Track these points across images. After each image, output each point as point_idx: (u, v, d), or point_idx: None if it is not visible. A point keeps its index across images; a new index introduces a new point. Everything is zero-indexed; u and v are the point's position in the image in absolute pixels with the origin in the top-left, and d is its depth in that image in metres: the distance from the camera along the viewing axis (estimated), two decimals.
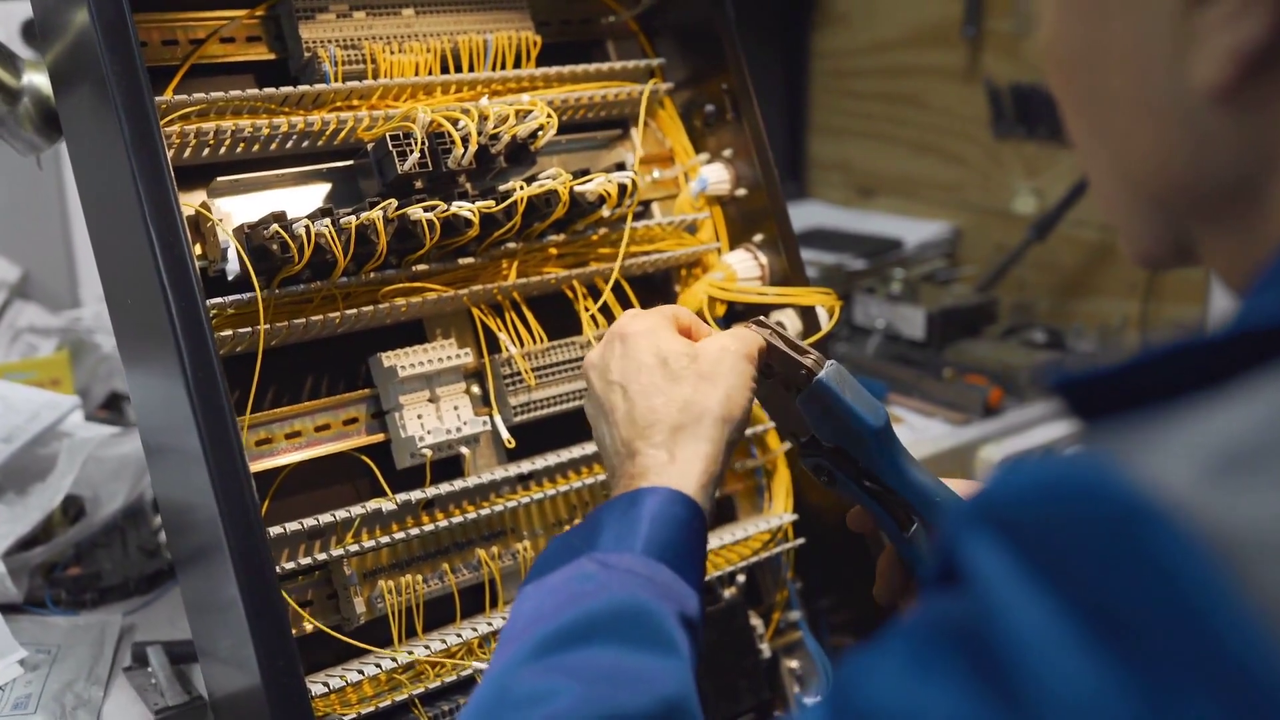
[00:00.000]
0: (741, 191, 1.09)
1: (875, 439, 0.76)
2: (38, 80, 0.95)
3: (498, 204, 0.90)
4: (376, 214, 0.84)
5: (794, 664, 1.09)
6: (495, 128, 0.90)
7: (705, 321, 1.03)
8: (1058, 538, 0.35)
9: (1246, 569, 0.32)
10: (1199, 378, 0.37)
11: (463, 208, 0.88)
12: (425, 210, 0.86)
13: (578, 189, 0.95)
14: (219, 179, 0.87)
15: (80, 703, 0.91)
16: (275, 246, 0.81)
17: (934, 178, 2.03)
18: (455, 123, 0.89)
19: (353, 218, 0.84)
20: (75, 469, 1.05)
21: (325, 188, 0.93)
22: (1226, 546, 0.32)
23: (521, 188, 0.92)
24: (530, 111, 0.92)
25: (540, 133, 0.93)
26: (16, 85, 0.94)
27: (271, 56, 0.93)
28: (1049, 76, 0.49)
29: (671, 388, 0.71)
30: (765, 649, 1.06)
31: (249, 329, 0.83)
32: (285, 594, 0.80)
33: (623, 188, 0.97)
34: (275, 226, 0.81)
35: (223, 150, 0.87)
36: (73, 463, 1.06)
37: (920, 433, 1.50)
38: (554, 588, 0.65)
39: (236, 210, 0.88)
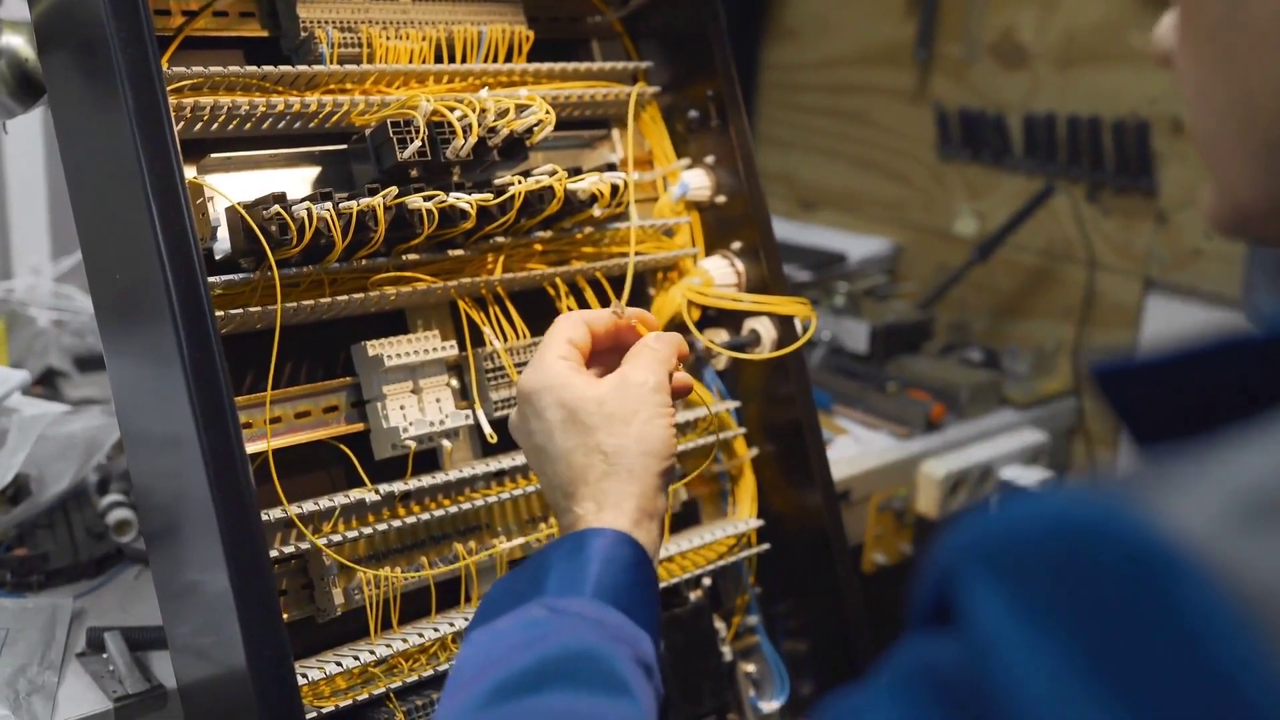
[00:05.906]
0: (721, 198, 1.09)
1: None
2: (15, 42, 0.91)
3: (495, 197, 0.89)
4: (377, 201, 0.83)
5: (750, 668, 1.10)
6: (495, 120, 0.90)
7: (686, 326, 1.06)
8: (1065, 584, 0.32)
9: (1275, 626, 0.29)
10: (1245, 384, 0.34)
11: (461, 199, 0.87)
12: (425, 200, 0.85)
13: (571, 186, 0.95)
14: (211, 155, 0.85)
15: (34, 688, 0.88)
16: (274, 227, 0.79)
17: (877, 195, 2.06)
18: (454, 112, 0.88)
19: (353, 203, 0.82)
20: (27, 446, 1.01)
21: (315, 171, 0.91)
22: (1254, 601, 0.29)
23: (518, 182, 0.91)
24: (529, 106, 0.92)
25: (537, 128, 0.92)
26: None
27: (263, 34, 0.92)
28: (1180, 5, 0.46)
29: (585, 439, 0.71)
30: (727, 652, 1.07)
31: (239, 310, 0.81)
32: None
33: (615, 188, 0.97)
34: (276, 207, 0.79)
35: (214, 126, 0.85)
36: (24, 440, 1.02)
37: (866, 445, 1.52)
38: (502, 634, 0.64)
39: (225, 188, 0.86)
